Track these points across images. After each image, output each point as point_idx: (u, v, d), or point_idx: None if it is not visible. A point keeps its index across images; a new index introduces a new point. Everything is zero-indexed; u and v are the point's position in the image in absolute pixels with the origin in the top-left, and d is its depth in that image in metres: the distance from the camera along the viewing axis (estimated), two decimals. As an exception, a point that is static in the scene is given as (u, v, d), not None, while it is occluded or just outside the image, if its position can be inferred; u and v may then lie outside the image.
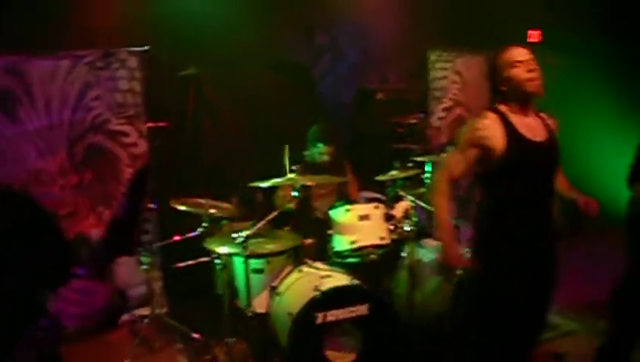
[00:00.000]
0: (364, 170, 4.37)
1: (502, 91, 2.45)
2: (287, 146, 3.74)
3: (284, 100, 5.45)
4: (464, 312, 3.20)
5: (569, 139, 6.03)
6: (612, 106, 5.93)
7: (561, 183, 2.60)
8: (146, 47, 4.16)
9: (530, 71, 2.39)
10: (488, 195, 2.50)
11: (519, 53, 2.43)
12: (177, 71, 4.90)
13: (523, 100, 2.43)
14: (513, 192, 2.40)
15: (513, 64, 2.40)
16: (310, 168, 3.80)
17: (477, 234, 2.53)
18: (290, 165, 3.84)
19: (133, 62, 4.11)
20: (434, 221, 2.49)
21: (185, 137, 5.02)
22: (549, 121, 2.57)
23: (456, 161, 2.45)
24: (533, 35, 6.29)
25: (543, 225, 2.48)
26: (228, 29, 4.94)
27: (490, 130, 2.37)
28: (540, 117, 2.52)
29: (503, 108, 2.44)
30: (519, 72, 2.39)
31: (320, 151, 3.90)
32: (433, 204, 2.50)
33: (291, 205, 3.60)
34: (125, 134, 4.08)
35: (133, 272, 3.98)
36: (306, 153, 3.98)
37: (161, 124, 4.61)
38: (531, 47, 2.48)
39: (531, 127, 2.43)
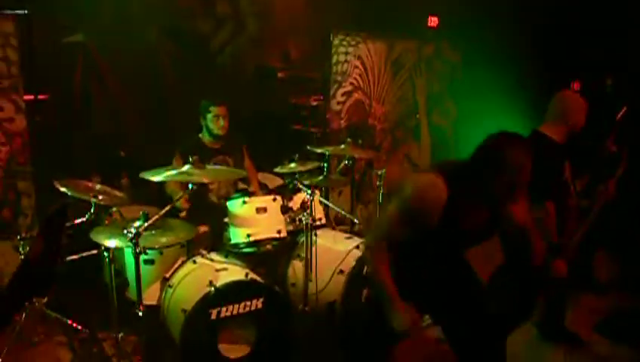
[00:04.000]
0: (263, 150, 4.31)
1: (476, 186, 2.15)
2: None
3: (180, 72, 5.20)
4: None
5: (463, 125, 6.27)
6: (503, 93, 6.21)
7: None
8: (24, 11, 3.73)
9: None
10: (398, 245, 2.31)
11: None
12: (62, 38, 4.48)
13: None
14: (424, 256, 2.30)
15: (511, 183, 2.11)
16: (205, 152, 3.67)
17: None
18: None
19: (8, 26, 3.69)
20: (380, 294, 2.24)
21: (71, 111, 4.64)
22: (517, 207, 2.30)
23: (395, 232, 2.21)
24: (433, 21, 6.49)
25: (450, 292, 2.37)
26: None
27: (437, 203, 2.13)
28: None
29: (457, 186, 2.15)
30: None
31: (214, 114, 3.74)
32: (375, 277, 2.25)
33: (183, 205, 3.54)
34: (-1, 108, 3.69)
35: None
36: (201, 135, 3.84)
37: (42, 97, 4.22)
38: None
39: (472, 214, 2.22)
